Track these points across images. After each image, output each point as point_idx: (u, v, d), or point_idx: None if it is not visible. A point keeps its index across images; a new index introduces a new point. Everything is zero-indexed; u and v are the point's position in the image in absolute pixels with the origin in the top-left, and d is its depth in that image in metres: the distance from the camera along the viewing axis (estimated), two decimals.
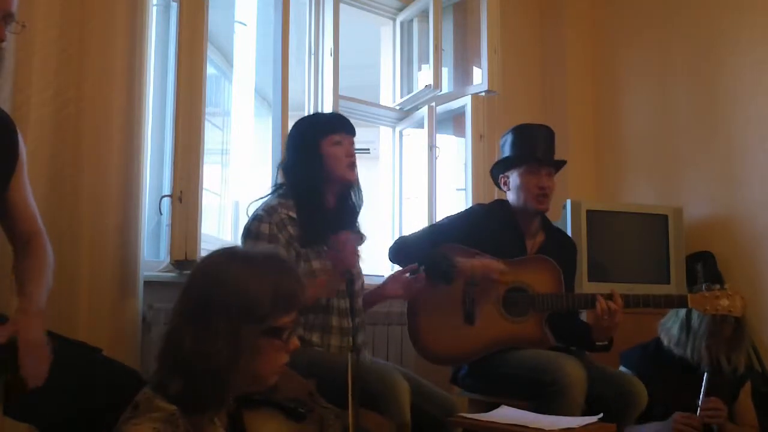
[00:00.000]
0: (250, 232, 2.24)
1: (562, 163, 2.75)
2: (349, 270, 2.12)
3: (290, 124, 2.96)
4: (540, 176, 2.65)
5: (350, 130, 2.38)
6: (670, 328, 2.80)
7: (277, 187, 2.41)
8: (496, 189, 2.90)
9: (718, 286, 2.53)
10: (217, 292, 1.38)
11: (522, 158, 2.67)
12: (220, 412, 1.41)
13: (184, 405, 1.34)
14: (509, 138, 2.75)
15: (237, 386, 1.39)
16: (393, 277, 2.52)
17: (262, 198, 2.38)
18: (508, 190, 2.73)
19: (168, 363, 1.38)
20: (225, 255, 1.46)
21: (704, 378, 2.64)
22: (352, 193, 2.40)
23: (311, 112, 3.36)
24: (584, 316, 2.95)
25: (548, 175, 2.67)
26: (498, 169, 2.79)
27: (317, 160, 2.30)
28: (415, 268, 2.48)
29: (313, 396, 1.62)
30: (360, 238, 2.32)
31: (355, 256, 2.22)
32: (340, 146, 2.32)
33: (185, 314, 1.39)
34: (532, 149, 2.68)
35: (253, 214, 2.30)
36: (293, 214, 2.27)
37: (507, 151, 2.74)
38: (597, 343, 2.57)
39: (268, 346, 1.40)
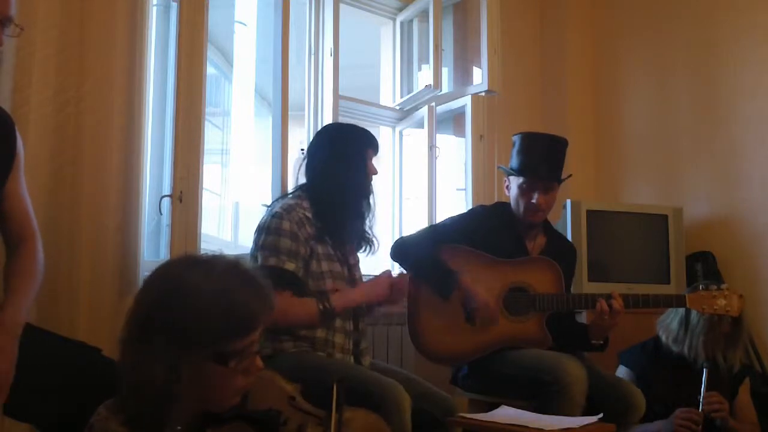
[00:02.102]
0: (269, 229, 2.28)
1: (563, 178, 2.68)
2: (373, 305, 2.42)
3: (290, 124, 2.98)
4: (535, 192, 2.61)
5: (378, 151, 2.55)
6: (669, 323, 2.81)
7: (291, 190, 2.48)
8: (497, 190, 2.89)
9: (715, 287, 2.54)
10: (161, 307, 1.27)
11: (520, 171, 2.64)
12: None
13: (133, 427, 1.24)
14: (516, 144, 2.70)
15: (185, 410, 1.27)
16: (375, 283, 2.45)
17: (282, 198, 2.44)
18: (508, 194, 2.73)
19: (120, 380, 1.28)
20: (183, 264, 1.34)
21: (704, 373, 2.65)
22: (367, 204, 2.47)
23: (312, 112, 3.36)
24: (584, 316, 2.95)
25: (545, 190, 2.62)
26: (504, 170, 2.78)
27: (363, 168, 2.43)
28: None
29: (295, 401, 1.54)
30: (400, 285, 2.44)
31: (388, 294, 2.39)
32: (372, 163, 2.47)
33: (131, 328, 1.30)
34: (532, 163, 2.62)
35: (270, 212, 2.34)
36: (309, 215, 2.33)
37: (512, 156, 2.71)
38: (593, 342, 2.57)
39: (215, 373, 1.27)
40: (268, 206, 2.44)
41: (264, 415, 1.39)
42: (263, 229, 2.30)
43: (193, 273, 1.30)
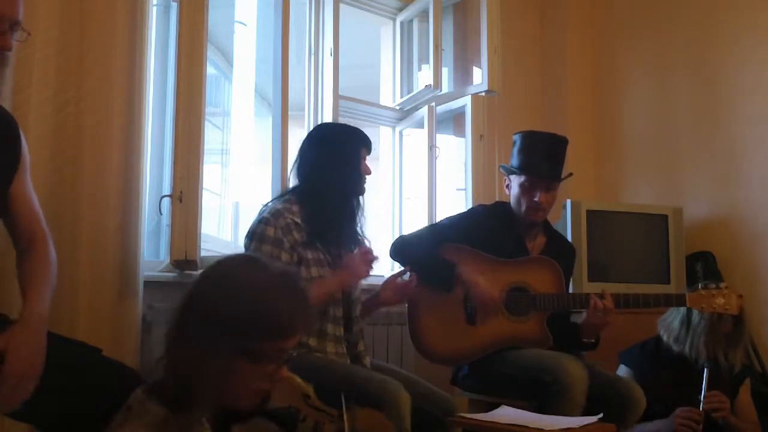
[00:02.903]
0: (254, 235, 2.27)
1: (564, 177, 2.69)
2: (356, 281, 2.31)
3: (290, 124, 2.98)
4: (537, 190, 2.62)
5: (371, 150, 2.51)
6: (670, 323, 2.82)
7: (284, 192, 2.45)
8: (497, 190, 2.89)
9: (714, 285, 2.55)
10: (207, 294, 1.34)
11: (521, 169, 2.65)
12: (205, 417, 1.35)
13: (171, 406, 1.30)
14: (518, 142, 2.71)
15: (211, 399, 1.32)
16: (386, 284, 2.53)
17: (273, 200, 2.41)
18: (509, 193, 2.73)
19: (162, 361, 1.35)
20: (241, 260, 1.43)
21: (705, 373, 2.65)
22: (357, 204, 2.44)
23: (312, 112, 3.36)
24: (584, 316, 2.95)
25: (547, 189, 2.63)
26: (504, 170, 2.78)
27: (357, 169, 2.40)
28: (407, 270, 2.52)
29: (310, 399, 1.58)
30: (376, 257, 2.37)
31: (367, 269, 2.30)
32: (365, 163, 2.44)
33: (178, 309, 1.36)
34: (533, 162, 2.63)
35: (258, 217, 2.32)
36: (298, 220, 2.30)
37: (513, 154, 2.71)
38: (584, 341, 2.58)
39: (241, 368, 1.31)
40: (260, 209, 2.40)
41: (285, 413, 1.43)
42: (250, 235, 2.29)
43: (246, 270, 1.36)
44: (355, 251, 2.35)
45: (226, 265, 1.41)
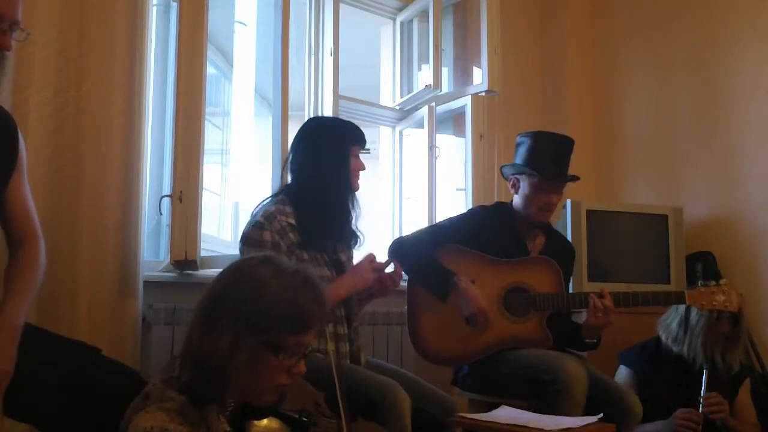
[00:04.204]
0: (251, 240, 2.19)
1: (575, 178, 2.68)
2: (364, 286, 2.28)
3: (290, 124, 2.98)
4: (549, 191, 2.61)
5: (365, 145, 2.44)
6: (669, 324, 2.82)
7: (277, 192, 2.38)
8: (497, 190, 2.87)
9: (713, 282, 2.54)
10: (232, 292, 1.41)
11: (536, 169, 2.62)
12: (224, 410, 1.41)
13: (191, 395, 1.35)
14: (529, 142, 2.67)
15: (234, 390, 1.38)
16: (356, 270, 2.36)
17: (267, 200, 2.34)
18: (516, 193, 2.70)
19: (182, 353, 1.41)
20: (258, 260, 1.49)
21: (703, 374, 2.65)
22: (352, 201, 2.39)
23: (312, 112, 3.36)
24: (584, 316, 2.95)
25: (557, 190, 2.63)
26: (510, 169, 2.74)
27: (345, 166, 2.33)
28: (392, 262, 2.46)
29: (320, 407, 1.62)
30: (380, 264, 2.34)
31: (373, 276, 2.28)
32: (357, 159, 2.37)
33: (203, 307, 1.43)
34: (548, 163, 2.61)
35: (252, 221, 2.25)
36: (292, 221, 2.24)
37: (523, 154, 2.67)
38: (586, 341, 2.58)
39: (265, 361, 1.39)
40: (252, 211, 2.33)
41: (297, 417, 1.50)
42: (245, 241, 2.22)
43: (265, 269, 1.44)
44: (362, 258, 2.30)
45: (247, 264, 1.49)
